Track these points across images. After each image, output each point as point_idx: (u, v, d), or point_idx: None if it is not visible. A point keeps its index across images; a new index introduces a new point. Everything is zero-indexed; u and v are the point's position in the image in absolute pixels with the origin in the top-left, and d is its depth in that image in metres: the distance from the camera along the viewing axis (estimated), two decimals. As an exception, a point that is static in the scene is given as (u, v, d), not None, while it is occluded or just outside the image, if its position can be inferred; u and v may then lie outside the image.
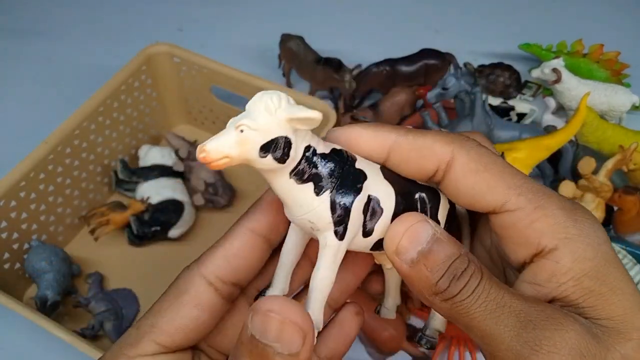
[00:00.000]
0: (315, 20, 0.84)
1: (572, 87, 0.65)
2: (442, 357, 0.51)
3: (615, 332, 0.20)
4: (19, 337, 0.53)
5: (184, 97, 0.67)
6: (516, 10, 0.88)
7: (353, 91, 0.68)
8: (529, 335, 0.19)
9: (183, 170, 0.62)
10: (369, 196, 0.22)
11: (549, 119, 0.67)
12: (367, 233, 0.22)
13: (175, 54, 0.63)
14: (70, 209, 0.59)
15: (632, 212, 0.54)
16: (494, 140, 0.60)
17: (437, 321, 0.26)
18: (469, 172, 0.22)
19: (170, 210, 0.58)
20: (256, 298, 0.26)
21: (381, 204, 0.22)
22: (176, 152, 0.63)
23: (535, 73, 0.67)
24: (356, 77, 0.68)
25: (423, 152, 0.22)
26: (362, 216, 0.22)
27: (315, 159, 0.21)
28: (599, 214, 0.54)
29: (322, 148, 0.21)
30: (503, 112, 0.69)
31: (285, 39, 0.71)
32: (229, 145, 0.19)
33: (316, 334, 0.21)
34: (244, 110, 0.20)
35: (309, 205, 0.21)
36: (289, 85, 0.74)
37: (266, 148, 0.19)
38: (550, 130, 0.62)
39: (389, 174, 0.23)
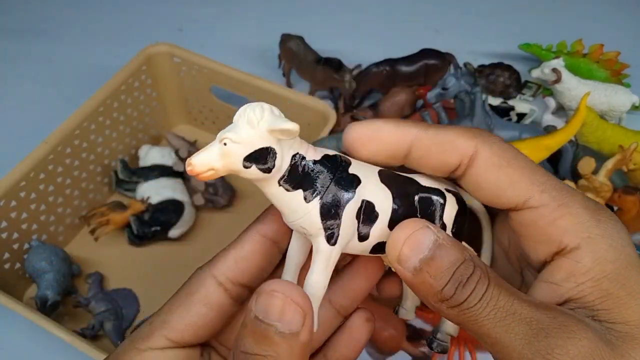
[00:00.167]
0: (315, 20, 0.84)
1: (572, 87, 0.65)
2: (442, 357, 0.51)
3: (630, 337, 0.19)
4: (19, 337, 0.53)
5: (184, 97, 0.67)
6: (516, 10, 0.88)
7: (353, 91, 0.68)
8: (541, 343, 0.19)
9: (183, 170, 0.62)
10: (362, 201, 0.21)
11: (548, 119, 0.67)
12: (362, 237, 0.22)
13: (175, 54, 0.63)
14: (70, 209, 0.59)
15: (632, 212, 0.54)
16: (494, 140, 0.60)
17: (449, 324, 0.26)
18: (491, 166, 0.22)
19: (170, 210, 0.58)
20: None
21: (377, 208, 0.22)
22: (176, 152, 0.63)
23: (535, 73, 0.67)
24: (356, 77, 0.68)
25: (445, 146, 0.22)
26: (355, 221, 0.21)
27: (303, 166, 0.21)
28: (599, 214, 0.54)
29: (312, 155, 0.22)
30: (503, 112, 0.69)
31: (285, 39, 0.71)
32: (213, 159, 0.20)
33: (315, 329, 0.21)
34: None
35: (300, 212, 0.21)
36: (289, 85, 0.74)
37: (250, 159, 0.20)
38: (550, 130, 0.62)
39: (386, 177, 0.23)
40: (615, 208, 0.56)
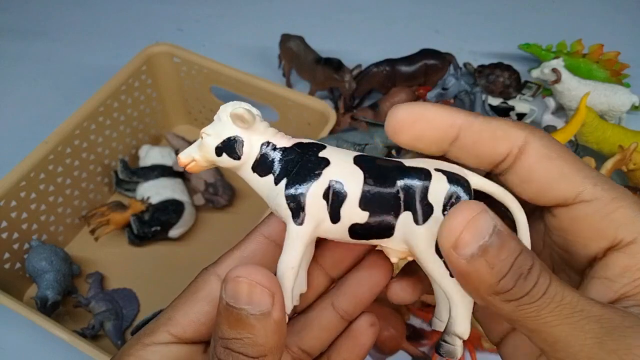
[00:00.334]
0: (315, 20, 0.84)
1: (572, 87, 0.65)
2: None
3: None
4: (19, 337, 0.53)
5: (184, 97, 0.67)
6: (516, 10, 0.88)
7: (353, 91, 0.68)
8: (616, 343, 0.18)
9: (183, 170, 0.62)
10: (330, 181, 0.22)
11: (548, 119, 0.67)
12: (334, 219, 0.22)
13: (175, 54, 0.63)
14: (70, 209, 0.59)
15: (631, 212, 0.54)
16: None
17: (460, 325, 0.22)
18: (542, 157, 0.21)
19: (170, 210, 0.58)
20: None
21: (345, 188, 0.21)
22: (176, 152, 0.63)
23: (535, 73, 0.67)
24: (356, 77, 0.68)
25: (497, 133, 0.21)
26: (323, 201, 0.22)
27: (273, 153, 0.23)
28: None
29: (284, 143, 0.23)
30: (503, 112, 0.69)
31: (285, 39, 0.71)
32: (193, 151, 0.23)
33: (288, 312, 0.22)
34: None
35: (272, 196, 0.22)
36: (289, 85, 0.74)
37: (220, 149, 0.23)
38: (550, 130, 0.62)
39: (361, 158, 0.22)
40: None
